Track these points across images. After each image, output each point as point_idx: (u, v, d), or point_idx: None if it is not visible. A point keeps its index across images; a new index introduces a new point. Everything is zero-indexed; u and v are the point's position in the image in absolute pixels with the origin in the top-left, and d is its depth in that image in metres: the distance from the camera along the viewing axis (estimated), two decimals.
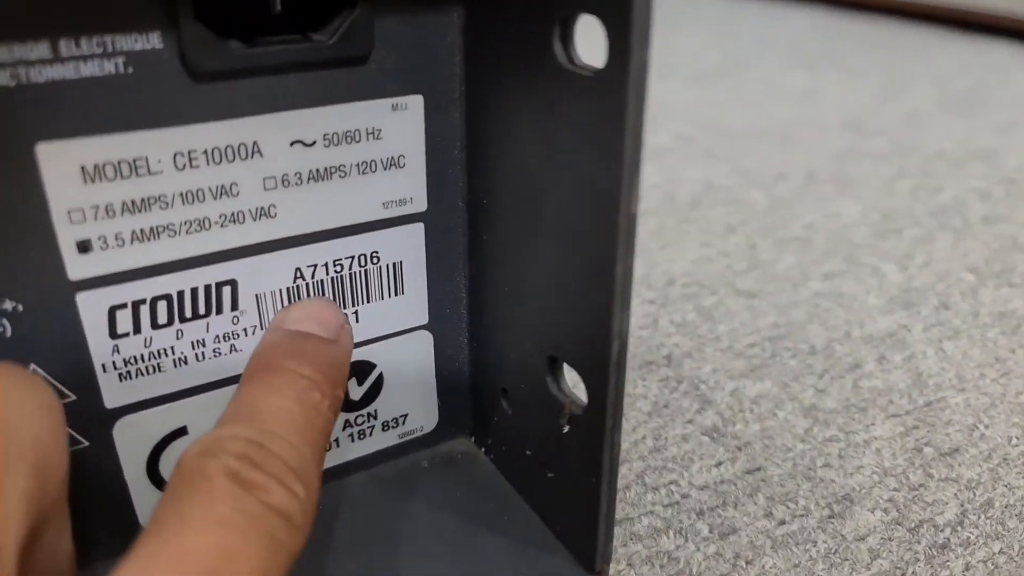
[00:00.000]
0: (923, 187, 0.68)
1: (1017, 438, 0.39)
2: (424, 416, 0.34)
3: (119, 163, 0.24)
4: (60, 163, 0.23)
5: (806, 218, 0.62)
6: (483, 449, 0.35)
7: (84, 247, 0.25)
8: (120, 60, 0.23)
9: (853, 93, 0.94)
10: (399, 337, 0.32)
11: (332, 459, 0.33)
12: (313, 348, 0.26)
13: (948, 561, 0.32)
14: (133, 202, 0.25)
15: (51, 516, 0.22)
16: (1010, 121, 0.84)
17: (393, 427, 0.34)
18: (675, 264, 0.55)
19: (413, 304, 0.32)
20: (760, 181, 0.69)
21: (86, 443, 0.27)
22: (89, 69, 0.23)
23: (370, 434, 0.33)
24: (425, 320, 0.32)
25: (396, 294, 0.31)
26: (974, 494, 0.35)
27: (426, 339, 0.33)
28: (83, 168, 0.24)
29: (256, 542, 0.20)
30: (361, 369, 0.32)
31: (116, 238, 0.25)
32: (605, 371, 0.26)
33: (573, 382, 0.28)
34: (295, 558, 0.21)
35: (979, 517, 0.34)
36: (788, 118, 0.85)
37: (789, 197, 0.66)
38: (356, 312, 0.30)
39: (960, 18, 1.19)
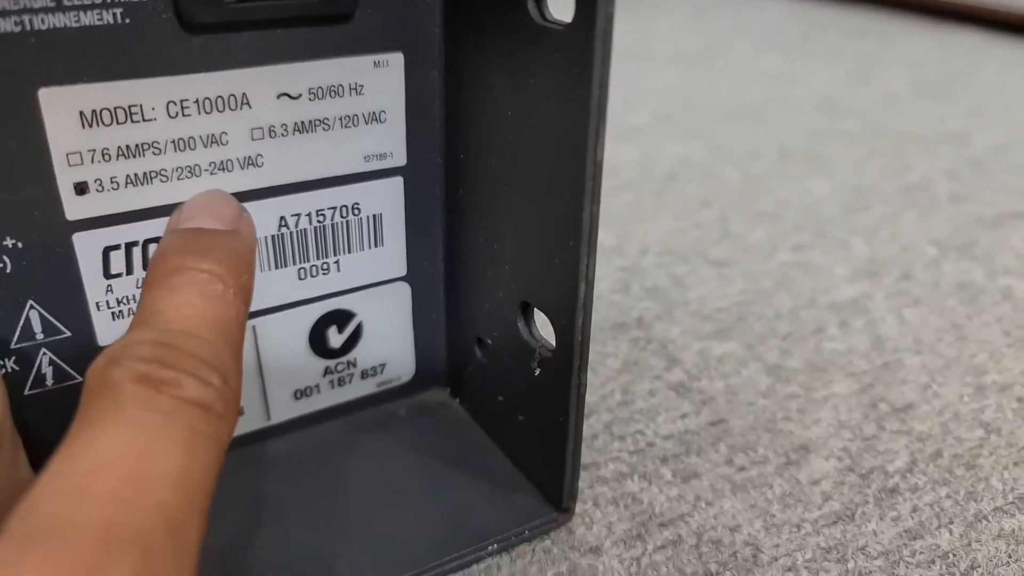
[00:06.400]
0: (893, 166, 0.70)
1: (968, 396, 0.40)
2: (402, 366, 0.36)
3: (115, 109, 0.26)
4: (60, 108, 0.25)
5: (778, 194, 0.64)
6: (458, 399, 0.37)
7: (81, 189, 0.26)
8: (118, 11, 0.25)
9: (827, 77, 0.95)
10: (378, 287, 0.34)
11: (311, 405, 0.35)
12: (208, 241, 0.25)
13: (896, 503, 0.34)
14: (128, 147, 0.26)
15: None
16: (979, 105, 0.86)
17: (371, 376, 0.35)
18: (649, 235, 0.56)
19: (392, 256, 0.33)
20: (735, 158, 0.71)
21: (80, 379, 0.29)
22: (89, 18, 0.24)
23: (349, 382, 0.35)
24: (403, 272, 0.34)
25: (376, 245, 0.32)
26: (924, 445, 0.37)
27: (404, 290, 0.34)
28: (81, 113, 0.25)
29: (174, 437, 0.19)
30: (341, 317, 0.33)
31: (111, 181, 0.26)
32: (573, 313, 0.27)
33: (541, 325, 0.30)
34: (223, 446, 0.21)
35: (928, 465, 0.36)
36: (763, 99, 0.87)
37: (762, 174, 0.68)
38: (337, 262, 0.32)
39: (933, 7, 1.22)
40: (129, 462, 0.18)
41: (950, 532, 0.33)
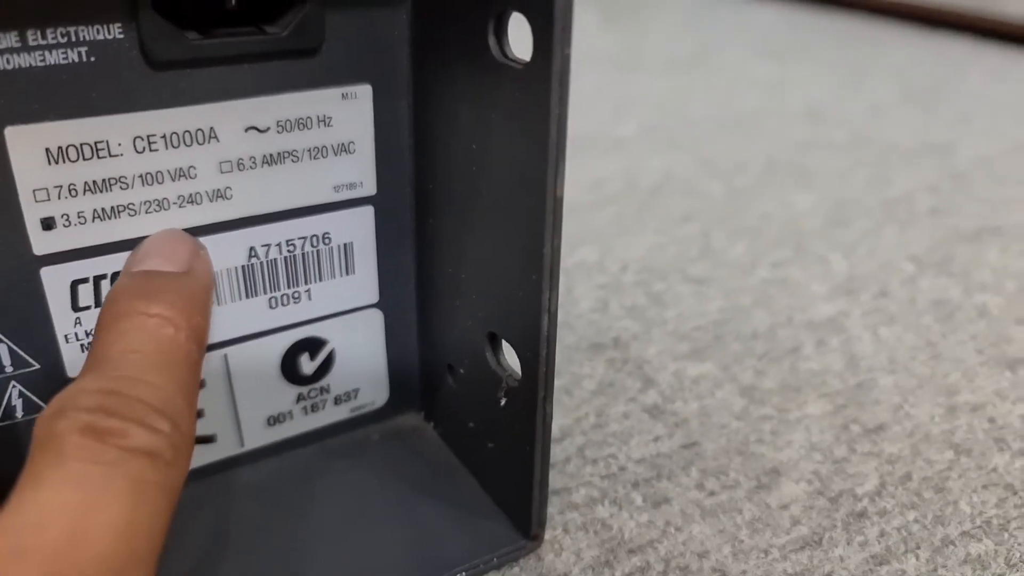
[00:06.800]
0: (876, 178, 0.70)
1: (940, 416, 0.41)
2: (375, 391, 0.36)
3: (81, 146, 0.26)
4: (26, 146, 0.25)
5: (761, 208, 0.64)
6: (432, 424, 0.37)
7: (48, 224, 0.26)
8: (83, 49, 0.25)
9: (817, 85, 0.96)
10: (350, 315, 0.34)
11: (284, 431, 0.35)
12: (160, 284, 0.25)
13: (864, 528, 0.34)
14: (94, 182, 0.26)
15: None
16: (966, 114, 0.87)
17: (345, 401, 0.36)
18: (630, 251, 0.56)
19: (364, 283, 0.33)
20: (720, 171, 0.71)
21: None
22: (54, 57, 0.25)
23: (323, 407, 0.35)
24: (375, 299, 0.34)
25: (347, 273, 0.33)
26: (894, 467, 0.37)
27: (376, 317, 0.34)
28: (48, 150, 0.25)
29: (118, 488, 0.19)
30: (313, 345, 0.33)
31: (78, 216, 0.27)
32: (537, 345, 0.28)
33: (510, 355, 0.30)
34: (173, 492, 0.21)
35: (897, 488, 0.36)
36: (752, 108, 0.87)
37: (746, 187, 0.68)
38: (308, 290, 0.32)
39: (924, 14, 1.22)
40: (70, 517, 0.18)
41: (916, 557, 0.33)
